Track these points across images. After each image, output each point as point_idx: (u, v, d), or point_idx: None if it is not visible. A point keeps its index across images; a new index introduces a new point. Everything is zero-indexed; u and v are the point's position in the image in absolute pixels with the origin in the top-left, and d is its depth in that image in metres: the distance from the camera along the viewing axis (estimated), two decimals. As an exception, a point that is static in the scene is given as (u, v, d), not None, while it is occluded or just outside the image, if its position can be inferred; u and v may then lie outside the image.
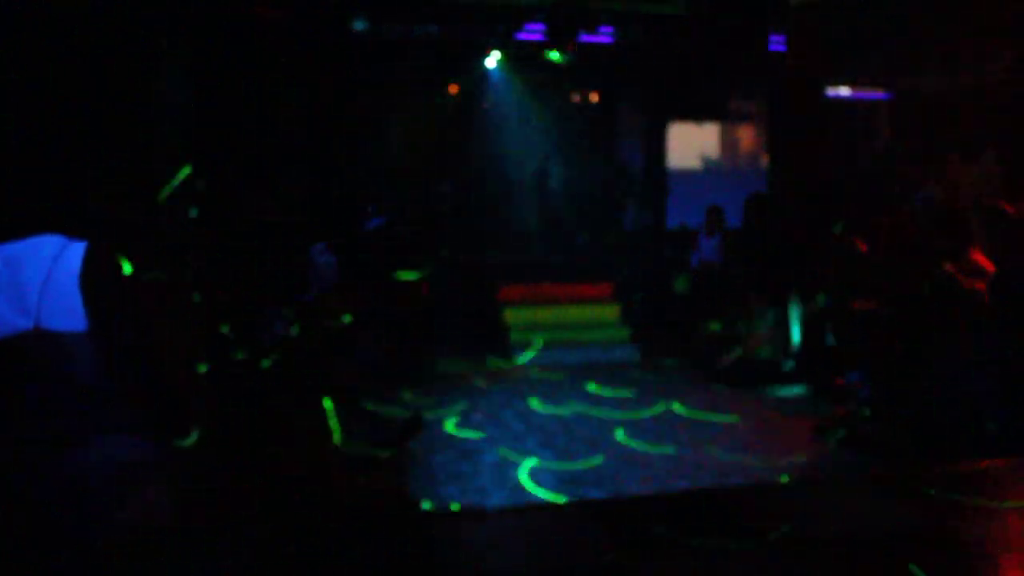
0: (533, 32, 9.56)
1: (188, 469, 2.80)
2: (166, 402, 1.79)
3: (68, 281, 1.69)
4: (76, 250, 1.74)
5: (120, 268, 1.77)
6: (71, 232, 1.80)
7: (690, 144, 11.45)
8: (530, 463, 5.17)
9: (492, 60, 10.02)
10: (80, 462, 1.69)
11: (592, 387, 7.59)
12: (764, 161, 11.42)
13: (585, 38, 9.54)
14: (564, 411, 6.47)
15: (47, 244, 1.75)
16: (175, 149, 5.21)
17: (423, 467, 5.24)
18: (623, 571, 2.73)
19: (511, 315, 9.50)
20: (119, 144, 4.23)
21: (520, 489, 4.91)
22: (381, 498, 3.79)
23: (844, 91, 10.70)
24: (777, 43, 9.59)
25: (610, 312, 9.94)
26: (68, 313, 1.68)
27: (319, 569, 2.60)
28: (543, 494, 4.76)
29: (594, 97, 11.16)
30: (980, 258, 4.97)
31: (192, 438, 1.91)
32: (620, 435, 6.00)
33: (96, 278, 1.70)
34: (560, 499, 4.64)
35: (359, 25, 8.82)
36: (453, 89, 10.65)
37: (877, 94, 10.68)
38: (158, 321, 1.80)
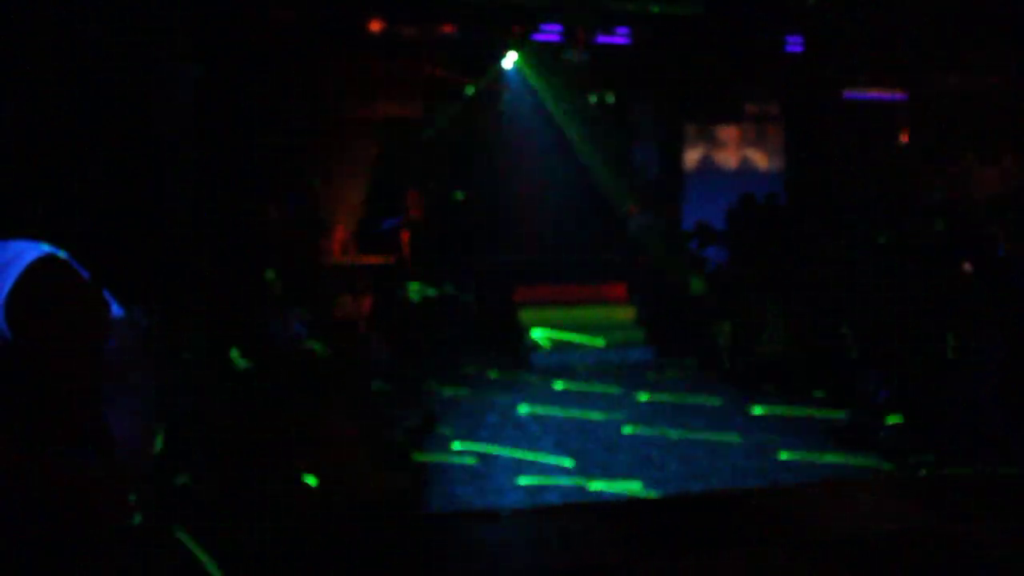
0: (550, 33, 9.58)
1: (189, 470, 2.85)
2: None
3: None
4: (22, 266, 1.64)
5: (46, 301, 1.65)
6: (56, 241, 1.72)
7: (706, 145, 11.44)
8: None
9: (509, 61, 10.04)
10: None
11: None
12: (781, 163, 11.38)
13: (602, 39, 9.55)
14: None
15: (12, 251, 1.67)
16: (183, 152, 5.24)
17: (437, 467, 5.29)
18: (632, 572, 2.76)
19: (527, 316, 9.52)
20: (121, 146, 4.25)
21: (534, 490, 4.94)
22: (393, 498, 3.84)
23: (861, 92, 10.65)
24: (794, 44, 9.56)
25: (625, 313, 9.94)
26: None
27: (328, 570, 2.65)
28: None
29: (610, 98, 11.16)
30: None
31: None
32: (627, 429, 6.04)
33: (15, 300, 1.61)
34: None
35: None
36: (469, 90, 10.68)
37: (895, 95, 10.61)
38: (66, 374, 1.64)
